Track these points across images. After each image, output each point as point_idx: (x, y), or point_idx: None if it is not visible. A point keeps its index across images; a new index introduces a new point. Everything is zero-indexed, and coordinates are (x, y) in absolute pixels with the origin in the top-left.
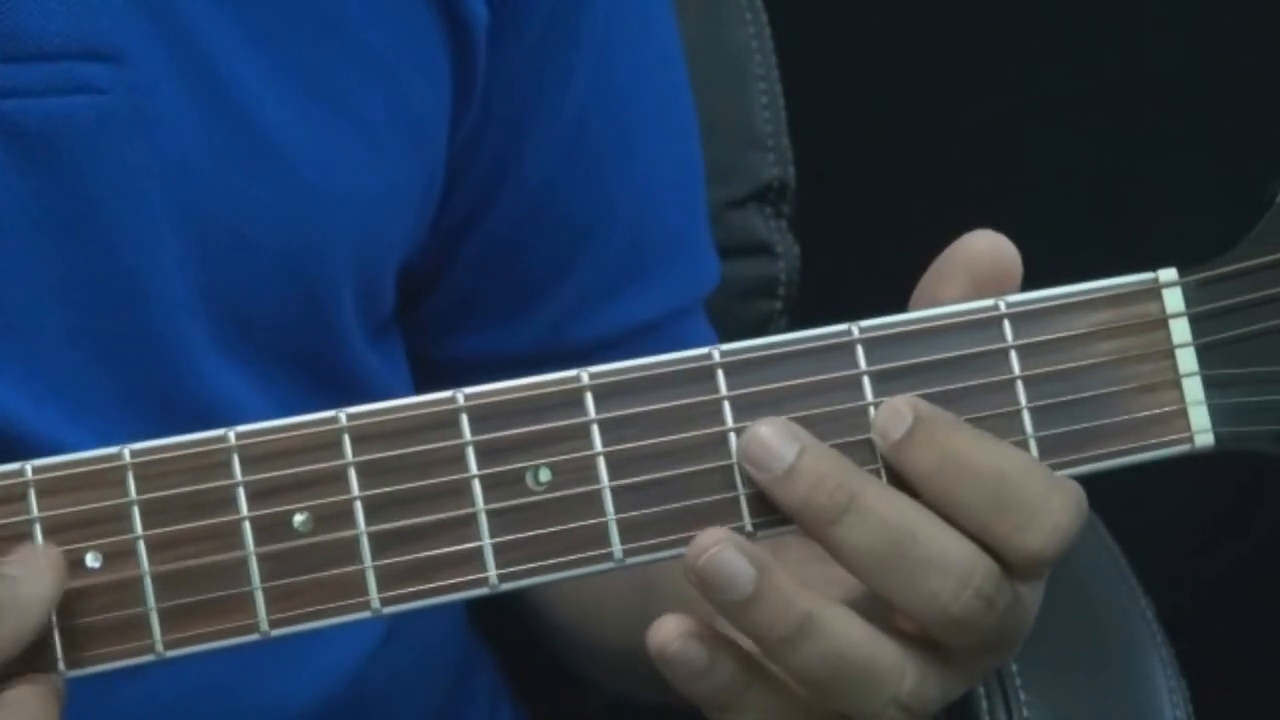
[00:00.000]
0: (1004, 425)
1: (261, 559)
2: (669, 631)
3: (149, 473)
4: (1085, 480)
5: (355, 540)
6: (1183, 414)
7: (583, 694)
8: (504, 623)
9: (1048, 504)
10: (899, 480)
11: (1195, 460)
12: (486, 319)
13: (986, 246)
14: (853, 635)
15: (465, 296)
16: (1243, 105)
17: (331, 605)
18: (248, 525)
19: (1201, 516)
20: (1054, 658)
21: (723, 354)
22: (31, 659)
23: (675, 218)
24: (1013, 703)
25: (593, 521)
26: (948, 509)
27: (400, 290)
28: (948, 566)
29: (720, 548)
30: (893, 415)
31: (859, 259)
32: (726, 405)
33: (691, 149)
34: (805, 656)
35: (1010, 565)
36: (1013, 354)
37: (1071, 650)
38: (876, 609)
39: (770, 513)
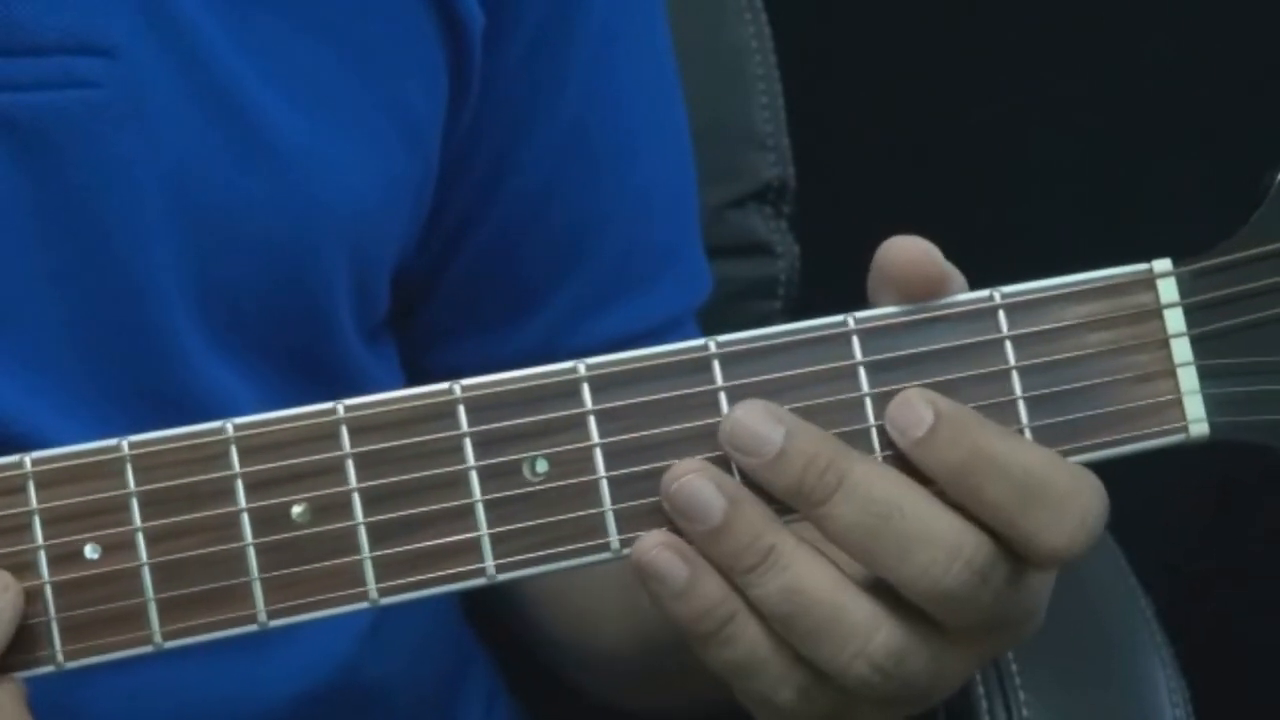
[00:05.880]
0: (999, 415)
1: (259, 550)
2: (649, 541)
3: (147, 464)
4: None
5: (353, 531)
6: (1178, 404)
7: (579, 694)
8: (500, 623)
9: (1074, 499)
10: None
11: (1195, 459)
12: (480, 327)
13: (902, 258)
14: (818, 576)
15: (460, 303)
16: (1239, 102)
17: (329, 596)
18: (246, 516)
19: (1201, 516)
20: (1054, 658)
21: (719, 345)
22: (30, 651)
23: (669, 227)
24: (1012, 703)
25: (590, 512)
26: (975, 506)
27: (397, 295)
28: (936, 539)
29: (693, 476)
30: (910, 411)
31: (859, 259)
32: (723, 396)
33: (685, 158)
34: (770, 589)
35: (1033, 560)
36: (1008, 344)
37: (1071, 650)
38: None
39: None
